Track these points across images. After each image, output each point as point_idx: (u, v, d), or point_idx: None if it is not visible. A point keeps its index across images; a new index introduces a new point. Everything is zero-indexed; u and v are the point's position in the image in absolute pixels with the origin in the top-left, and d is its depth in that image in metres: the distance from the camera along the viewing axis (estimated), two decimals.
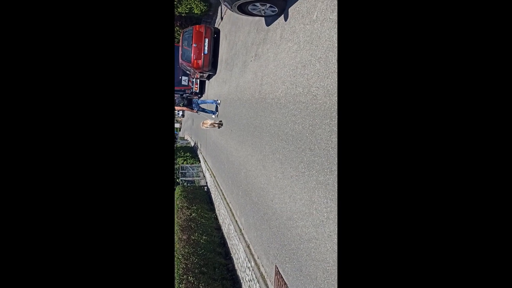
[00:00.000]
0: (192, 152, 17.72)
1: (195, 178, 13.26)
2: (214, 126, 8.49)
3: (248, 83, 5.87)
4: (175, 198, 10.00)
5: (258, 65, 5.35)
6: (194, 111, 9.50)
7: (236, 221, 6.44)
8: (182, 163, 15.25)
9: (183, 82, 13.93)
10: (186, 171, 14.19)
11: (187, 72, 12.41)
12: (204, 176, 12.77)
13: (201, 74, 10.72)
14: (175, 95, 9.82)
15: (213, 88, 11.07)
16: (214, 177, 9.90)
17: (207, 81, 13.41)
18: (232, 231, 6.57)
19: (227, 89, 8.12)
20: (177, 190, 10.41)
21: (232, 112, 7.30)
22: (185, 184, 13.20)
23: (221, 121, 8.47)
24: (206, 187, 11.56)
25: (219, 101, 8.98)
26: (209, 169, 11.37)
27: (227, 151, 7.69)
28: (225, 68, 8.70)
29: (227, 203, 7.42)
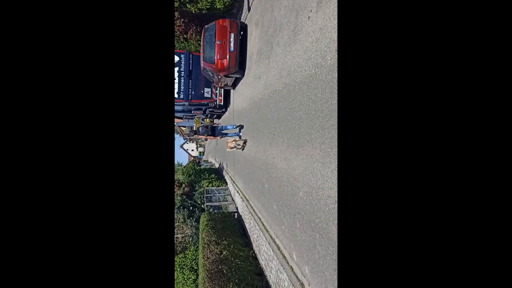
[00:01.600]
0: (217, 174, 15.88)
1: (222, 203, 11.26)
2: (238, 148, 8.25)
3: (306, 53, 3.94)
4: (201, 230, 8.00)
5: (324, 16, 3.43)
6: (218, 138, 9.42)
7: (292, 268, 4.27)
8: (207, 186, 13.36)
9: (205, 95, 12.36)
10: (211, 195, 12.25)
11: (211, 80, 10.83)
12: (233, 200, 10.74)
13: (228, 76, 8.99)
14: (201, 125, 9.53)
15: (241, 95, 9.30)
16: (248, 201, 7.86)
17: (232, 90, 11.76)
18: (287, 283, 4.37)
19: (263, 85, 6.26)
20: (203, 219, 8.44)
21: (273, 108, 5.37)
22: (211, 210, 11.24)
23: (245, 140, 8.09)
24: (236, 214, 9.50)
25: (241, 128, 8.76)
26: (239, 191, 9.36)
27: (268, 165, 5.67)
28: (257, 61, 6.91)
29: (272, 239, 5.28)
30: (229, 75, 8.96)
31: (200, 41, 11.34)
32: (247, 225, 7.70)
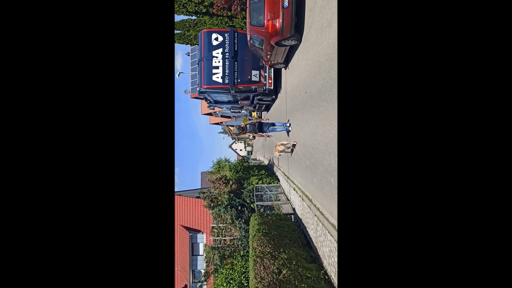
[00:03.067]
0: (267, 170, 14.23)
1: (274, 203, 9.54)
2: (287, 151, 7.84)
3: None
4: (251, 236, 6.38)
5: None
6: (266, 135, 9.17)
7: None
8: (257, 183, 11.76)
9: (253, 78, 10.77)
10: (262, 193, 10.61)
11: (259, 56, 9.18)
12: (288, 200, 8.93)
13: (281, 44, 7.19)
14: (248, 122, 9.12)
15: (297, 69, 7.46)
16: (310, 200, 5.99)
17: (284, 70, 9.99)
18: None
19: (333, 32, 4.36)
20: (253, 222, 6.82)
21: None
22: (262, 211, 9.58)
23: (294, 143, 7.55)
24: (293, 216, 7.68)
25: (289, 125, 8.23)
26: (297, 188, 7.52)
27: None
28: (323, 7, 5.01)
29: None
30: (283, 41, 7.17)
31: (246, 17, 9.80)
32: (311, 232, 5.83)
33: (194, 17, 11.82)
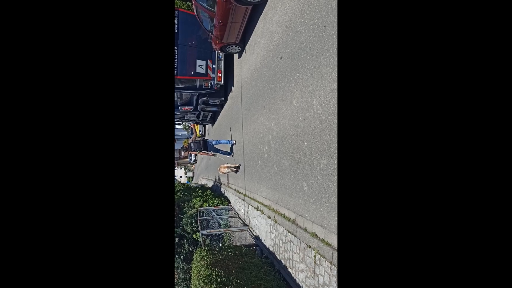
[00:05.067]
0: (214, 191, 11.65)
1: (226, 230, 7.00)
2: (232, 171, 7.73)
3: None
4: (195, 285, 3.77)
5: None
6: (210, 154, 9.07)
7: None
8: (201, 206, 9.10)
9: (198, 70, 8.47)
10: (209, 217, 7.96)
11: (207, 31, 6.99)
12: (247, 225, 6.53)
13: (239, 10, 5.16)
14: (192, 143, 8.49)
15: (263, 38, 5.47)
16: (293, 221, 3.75)
17: (238, 57, 7.96)
18: None
19: None
20: (197, 261, 4.25)
21: None
22: (209, 243, 6.96)
23: (239, 165, 7.45)
24: (257, 247, 5.27)
25: (234, 141, 8.10)
26: (262, 207, 5.23)
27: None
28: None
29: None
30: None
31: None
32: (301, 277, 3.48)
33: None
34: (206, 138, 10.17)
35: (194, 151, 8.46)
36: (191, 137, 21.81)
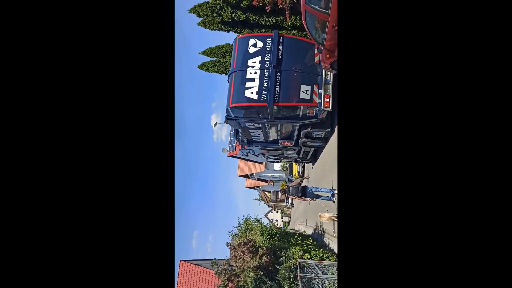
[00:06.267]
0: (315, 240, 9.82)
1: None
2: (334, 220, 7.08)
3: None
4: None
5: None
6: (308, 199, 8.38)
7: None
8: (301, 257, 7.43)
9: (302, 95, 7.52)
10: (312, 274, 6.22)
11: (313, 38, 6.02)
12: None
13: None
14: (288, 184, 8.53)
15: None
16: None
17: None
18: None
19: None
20: None
21: None
22: None
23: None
24: None
25: (335, 191, 7.43)
26: None
27: None
28: None
29: None
30: None
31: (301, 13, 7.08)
32: None
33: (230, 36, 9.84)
34: (305, 184, 9.25)
35: (291, 195, 8.27)
36: (289, 178, 20.84)
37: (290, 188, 8.14)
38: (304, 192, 8.00)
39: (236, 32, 10.06)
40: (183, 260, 16.09)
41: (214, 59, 12.17)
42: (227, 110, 7.91)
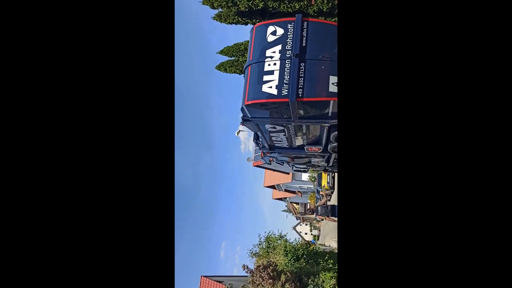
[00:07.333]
0: None
1: None
2: None
3: None
4: None
5: None
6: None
7: None
8: (330, 281, 6.01)
9: (331, 89, 6.25)
10: None
11: None
12: None
13: None
14: (316, 204, 5.83)
15: None
16: None
17: None
18: None
19: None
20: None
21: None
22: None
23: None
24: None
25: None
26: None
27: None
28: None
29: None
30: None
31: None
32: None
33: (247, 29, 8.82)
34: (333, 203, 8.04)
35: (320, 215, 7.93)
36: (318, 190, 19.23)
37: (319, 208, 7.50)
38: (333, 212, 7.14)
39: (254, 24, 9.12)
40: (204, 276, 15.25)
41: (232, 58, 11.26)
42: (242, 109, 6.84)
